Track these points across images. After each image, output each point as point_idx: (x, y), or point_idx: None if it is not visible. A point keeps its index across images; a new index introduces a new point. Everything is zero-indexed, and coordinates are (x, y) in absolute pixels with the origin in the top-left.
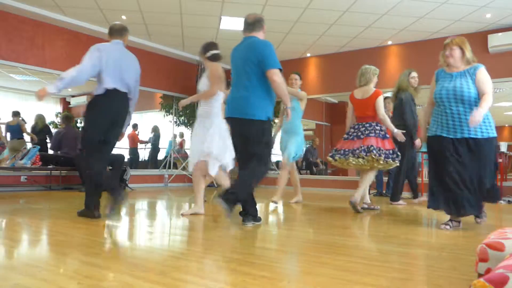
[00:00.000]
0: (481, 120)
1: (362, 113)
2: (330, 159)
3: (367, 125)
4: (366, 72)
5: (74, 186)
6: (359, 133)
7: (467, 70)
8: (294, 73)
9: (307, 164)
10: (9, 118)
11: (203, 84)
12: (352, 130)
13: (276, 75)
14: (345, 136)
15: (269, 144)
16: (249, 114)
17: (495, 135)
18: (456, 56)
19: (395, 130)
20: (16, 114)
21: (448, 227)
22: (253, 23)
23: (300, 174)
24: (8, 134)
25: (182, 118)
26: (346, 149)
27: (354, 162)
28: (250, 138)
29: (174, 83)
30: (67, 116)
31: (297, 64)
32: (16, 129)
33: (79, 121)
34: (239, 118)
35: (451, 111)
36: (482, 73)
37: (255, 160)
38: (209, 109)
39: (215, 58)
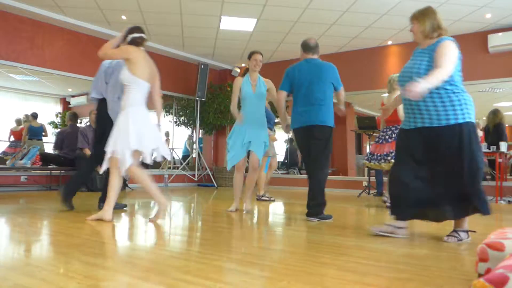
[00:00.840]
0: (418, 92)
1: (389, 117)
2: (366, 162)
3: (393, 128)
4: (389, 81)
5: None
6: (387, 137)
7: (429, 46)
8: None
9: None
10: (9, 118)
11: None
12: (382, 133)
13: (344, 92)
14: (376, 139)
15: (331, 149)
16: (325, 121)
17: (465, 120)
18: (414, 31)
19: None
20: (36, 116)
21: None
22: (315, 47)
23: (300, 174)
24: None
25: (182, 118)
26: (379, 154)
27: (386, 168)
28: (323, 140)
29: (174, 83)
30: (75, 114)
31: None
32: (38, 131)
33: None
34: (316, 125)
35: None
36: (443, 46)
37: (320, 164)
38: (125, 101)
39: (134, 42)
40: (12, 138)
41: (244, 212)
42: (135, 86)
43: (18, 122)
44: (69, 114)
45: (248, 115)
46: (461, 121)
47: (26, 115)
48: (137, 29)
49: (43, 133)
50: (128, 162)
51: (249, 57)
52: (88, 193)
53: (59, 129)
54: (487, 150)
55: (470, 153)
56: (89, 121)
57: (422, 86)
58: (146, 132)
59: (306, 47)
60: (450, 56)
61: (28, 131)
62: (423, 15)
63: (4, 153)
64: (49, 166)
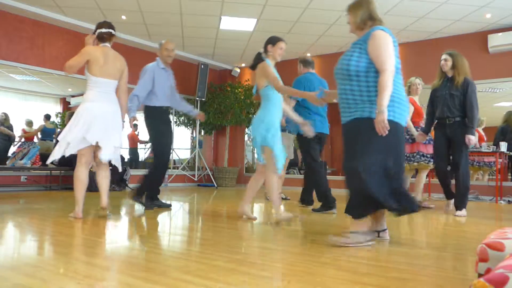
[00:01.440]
0: (382, 125)
1: (412, 119)
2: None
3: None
4: (408, 86)
5: None
6: (407, 137)
7: (362, 37)
8: None
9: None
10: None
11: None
12: (405, 134)
13: None
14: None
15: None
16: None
17: (367, 116)
18: (350, 22)
19: (415, 134)
20: (49, 117)
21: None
22: (313, 62)
23: (300, 174)
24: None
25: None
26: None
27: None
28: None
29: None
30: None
31: (297, 64)
32: (51, 132)
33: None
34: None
35: (339, 91)
36: (375, 37)
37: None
38: (83, 97)
39: (101, 37)
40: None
41: (277, 220)
42: (92, 83)
43: (30, 123)
44: (69, 114)
45: (279, 112)
46: (359, 116)
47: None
48: (105, 23)
49: (54, 135)
50: (67, 153)
51: (274, 43)
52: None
53: (59, 129)
54: (487, 150)
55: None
56: None
57: (381, 119)
58: (97, 126)
59: (306, 62)
60: (384, 50)
61: (42, 132)
62: (356, 5)
63: (14, 153)
64: (48, 166)
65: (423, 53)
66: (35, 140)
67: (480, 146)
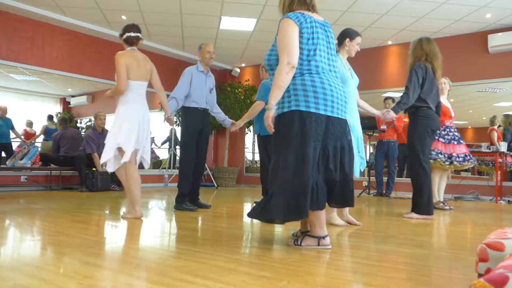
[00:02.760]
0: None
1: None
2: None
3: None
4: None
5: (74, 186)
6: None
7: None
8: None
9: None
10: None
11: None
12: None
13: None
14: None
15: None
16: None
17: (289, 109)
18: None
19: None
20: (51, 118)
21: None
22: None
23: None
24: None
25: None
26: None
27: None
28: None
29: (174, 83)
30: (64, 118)
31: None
32: (54, 132)
33: (78, 121)
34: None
35: None
36: (279, 28)
37: None
38: (118, 100)
39: (129, 41)
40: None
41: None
42: (130, 87)
43: (31, 124)
44: (59, 119)
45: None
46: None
47: None
48: (133, 27)
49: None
50: (108, 157)
51: (352, 37)
52: (89, 193)
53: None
54: (487, 150)
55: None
56: (93, 124)
57: (268, 116)
58: (140, 131)
59: None
60: (283, 40)
61: (45, 132)
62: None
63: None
64: (49, 166)
65: None
66: (39, 140)
67: (480, 146)
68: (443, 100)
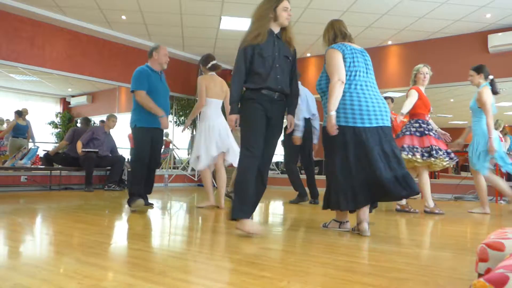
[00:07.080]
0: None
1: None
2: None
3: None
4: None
5: (74, 186)
6: (413, 130)
7: None
8: None
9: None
10: (10, 118)
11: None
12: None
13: None
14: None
15: None
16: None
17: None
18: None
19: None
20: (21, 114)
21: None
22: None
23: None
24: None
25: (182, 118)
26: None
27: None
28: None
29: (174, 83)
30: (88, 118)
31: (297, 64)
32: (24, 129)
33: (78, 121)
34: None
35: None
36: (326, 57)
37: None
38: (201, 115)
39: (213, 68)
40: None
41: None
42: (208, 103)
43: (1, 121)
44: (84, 120)
45: None
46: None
47: None
48: (211, 57)
49: (27, 132)
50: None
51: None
52: (89, 193)
53: (58, 129)
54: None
55: None
56: (103, 124)
57: (331, 121)
58: (223, 138)
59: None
60: (331, 64)
61: (14, 129)
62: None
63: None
64: (49, 166)
65: (423, 53)
66: (39, 140)
67: None
68: (423, 90)
